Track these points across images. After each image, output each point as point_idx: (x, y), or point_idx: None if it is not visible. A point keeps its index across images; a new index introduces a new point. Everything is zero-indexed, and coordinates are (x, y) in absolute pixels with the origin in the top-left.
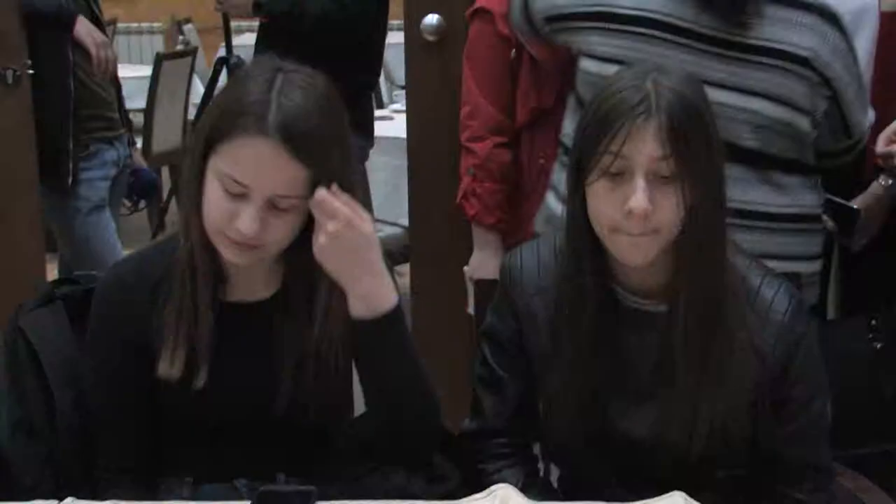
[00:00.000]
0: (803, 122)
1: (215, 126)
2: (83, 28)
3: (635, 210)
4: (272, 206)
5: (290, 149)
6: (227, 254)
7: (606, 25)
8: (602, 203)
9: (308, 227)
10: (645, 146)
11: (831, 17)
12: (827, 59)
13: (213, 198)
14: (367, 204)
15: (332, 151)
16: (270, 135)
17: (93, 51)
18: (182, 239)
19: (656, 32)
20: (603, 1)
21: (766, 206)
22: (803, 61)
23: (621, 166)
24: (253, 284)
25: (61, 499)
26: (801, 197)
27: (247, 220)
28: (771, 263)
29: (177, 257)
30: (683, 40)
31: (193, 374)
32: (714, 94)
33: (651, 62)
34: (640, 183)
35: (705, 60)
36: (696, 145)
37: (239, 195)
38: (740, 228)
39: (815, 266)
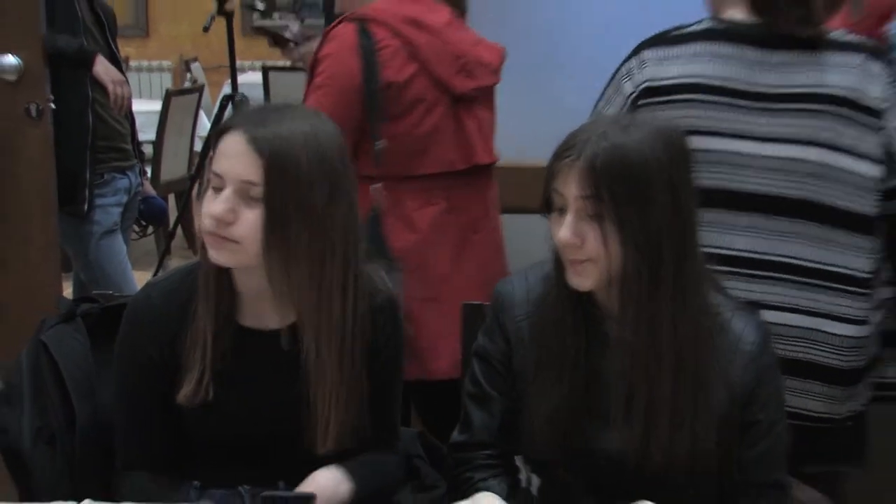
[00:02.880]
0: (855, 165)
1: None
2: (101, 66)
3: (561, 240)
4: (243, 195)
5: (251, 140)
6: (210, 254)
7: (654, 99)
8: (552, 233)
9: (317, 268)
10: (570, 185)
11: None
12: (867, 91)
13: (203, 201)
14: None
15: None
16: (236, 129)
17: (110, 87)
18: (201, 262)
19: (697, 96)
20: (649, 77)
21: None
22: (842, 101)
23: (560, 202)
24: (262, 312)
25: (79, 500)
26: (850, 259)
27: (218, 204)
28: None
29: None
30: (726, 99)
31: (206, 391)
32: (759, 148)
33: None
34: (568, 218)
35: (752, 117)
36: (620, 193)
37: (217, 188)
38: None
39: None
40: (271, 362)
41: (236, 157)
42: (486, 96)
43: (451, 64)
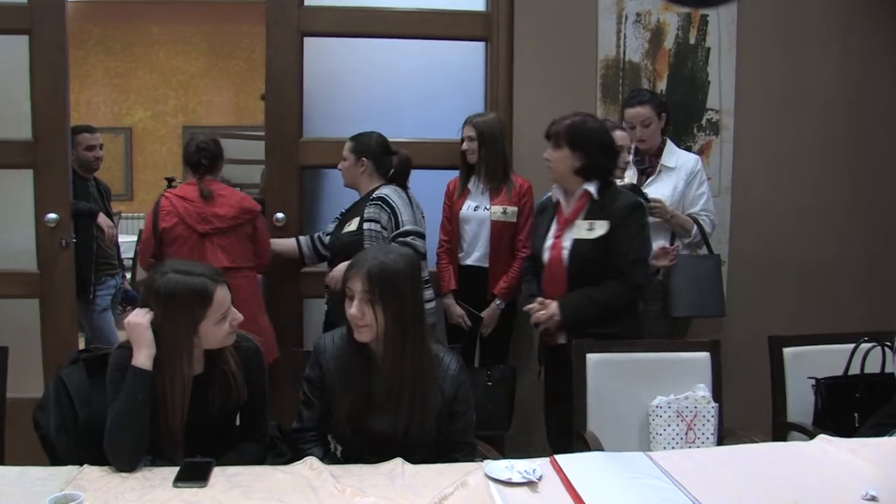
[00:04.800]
0: None
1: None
2: (101, 218)
3: (350, 315)
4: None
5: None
6: (230, 339)
7: None
8: (346, 311)
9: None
10: (356, 284)
11: None
12: None
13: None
14: None
15: None
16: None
17: (106, 230)
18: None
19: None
20: None
21: None
22: None
23: (351, 293)
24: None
25: (81, 464)
26: None
27: (237, 314)
28: None
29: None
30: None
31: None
32: None
33: (388, 245)
34: (355, 302)
35: None
36: (382, 289)
37: (225, 314)
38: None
39: None
40: (199, 391)
41: (222, 296)
42: (222, 232)
43: (194, 217)
